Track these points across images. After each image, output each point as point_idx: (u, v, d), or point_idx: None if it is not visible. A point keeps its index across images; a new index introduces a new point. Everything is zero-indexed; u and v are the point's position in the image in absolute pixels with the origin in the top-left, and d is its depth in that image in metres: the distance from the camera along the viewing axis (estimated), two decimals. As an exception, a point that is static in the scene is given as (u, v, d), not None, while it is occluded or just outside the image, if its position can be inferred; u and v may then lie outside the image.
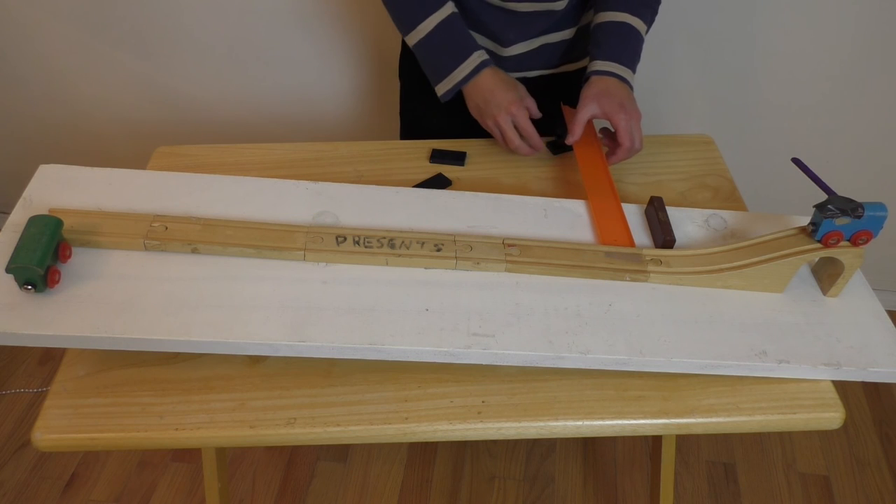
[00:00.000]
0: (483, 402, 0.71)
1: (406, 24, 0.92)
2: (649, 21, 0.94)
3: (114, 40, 1.44)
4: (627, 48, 0.91)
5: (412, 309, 0.71)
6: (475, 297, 0.73)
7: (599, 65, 0.90)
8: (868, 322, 0.75)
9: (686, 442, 1.48)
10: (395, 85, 1.44)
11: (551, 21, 0.96)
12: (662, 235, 0.80)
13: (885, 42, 1.25)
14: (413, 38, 0.92)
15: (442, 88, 0.93)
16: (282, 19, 1.37)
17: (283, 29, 1.39)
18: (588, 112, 0.88)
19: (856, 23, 1.23)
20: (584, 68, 1.07)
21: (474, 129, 1.06)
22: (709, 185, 0.97)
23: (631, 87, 0.90)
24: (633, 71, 0.91)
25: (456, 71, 0.91)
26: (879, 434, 1.51)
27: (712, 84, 1.34)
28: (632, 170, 0.99)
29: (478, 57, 0.92)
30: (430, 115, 1.12)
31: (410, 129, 1.18)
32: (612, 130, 0.91)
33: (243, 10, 1.36)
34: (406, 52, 1.11)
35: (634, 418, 0.70)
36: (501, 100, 0.90)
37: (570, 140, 0.90)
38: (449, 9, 0.91)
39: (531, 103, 0.92)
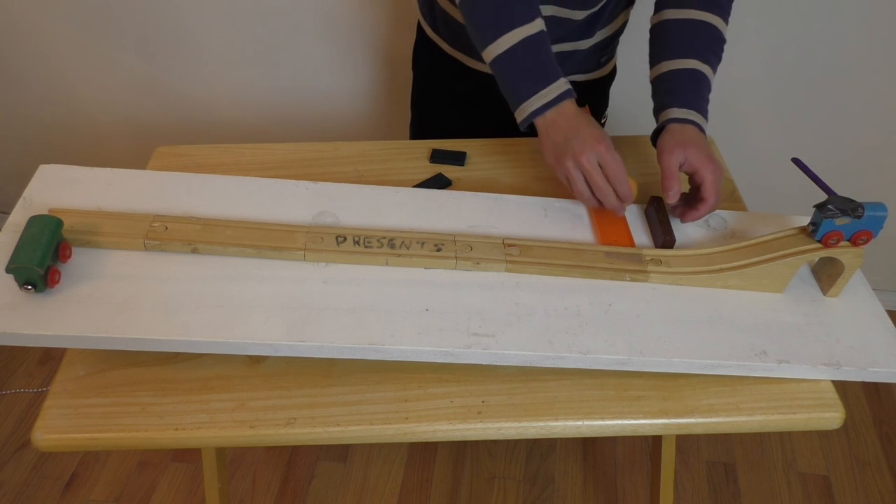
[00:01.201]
0: (483, 402, 0.71)
1: (488, 34, 0.80)
2: (716, 69, 0.87)
3: (114, 40, 1.44)
4: (702, 96, 0.84)
5: (412, 309, 0.71)
6: (475, 297, 0.73)
7: (677, 112, 0.82)
8: (868, 322, 0.75)
9: (686, 442, 1.48)
10: (397, 86, 1.45)
11: (566, 31, 0.94)
12: (662, 235, 0.79)
13: (886, 42, 1.25)
14: (492, 52, 0.80)
15: (519, 116, 0.81)
16: (282, 19, 1.37)
17: (283, 29, 1.39)
18: (676, 160, 0.78)
19: (856, 23, 1.23)
20: (595, 80, 1.07)
21: (488, 123, 1.06)
22: (709, 185, 0.97)
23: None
24: (707, 120, 0.84)
25: (534, 97, 0.79)
26: (879, 434, 1.51)
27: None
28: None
29: (562, 84, 0.79)
30: (443, 107, 1.12)
31: (422, 121, 1.17)
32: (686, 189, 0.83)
33: (244, 11, 1.36)
34: (421, 43, 1.10)
35: (634, 418, 0.70)
36: (587, 136, 0.76)
37: (672, 199, 0.79)
38: (538, 25, 0.80)
39: (618, 155, 0.78)
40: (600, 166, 0.77)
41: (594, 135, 0.77)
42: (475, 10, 0.81)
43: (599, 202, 0.80)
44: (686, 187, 0.83)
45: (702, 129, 0.82)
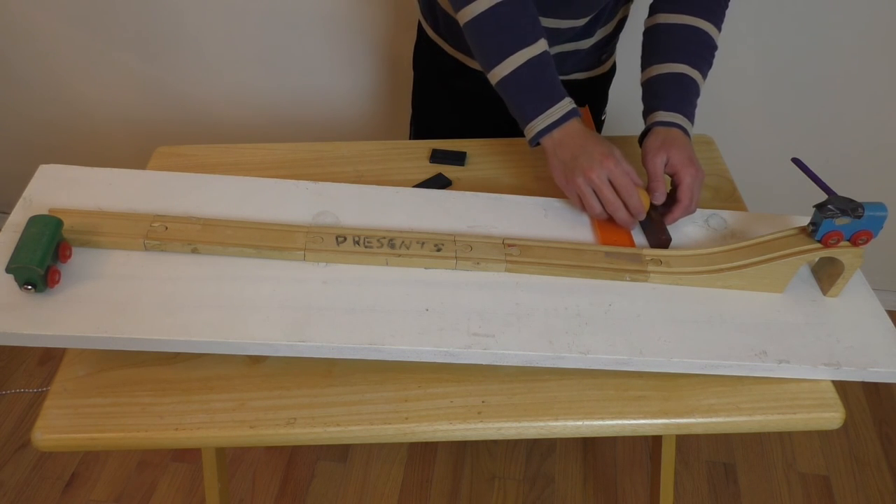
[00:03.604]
0: (483, 402, 0.71)
1: (493, 56, 0.81)
2: (706, 75, 0.87)
3: (114, 40, 1.44)
4: (689, 101, 0.85)
5: (412, 309, 0.71)
6: (475, 297, 0.73)
7: (663, 115, 0.83)
8: (868, 322, 0.75)
9: (686, 442, 1.48)
10: (397, 86, 1.45)
11: (570, 35, 0.95)
12: (658, 235, 0.79)
13: (886, 42, 1.25)
14: (498, 74, 0.81)
15: (527, 135, 0.82)
16: (282, 19, 1.37)
17: (283, 29, 1.39)
18: (661, 162, 0.80)
19: (856, 23, 1.23)
20: (595, 77, 1.07)
21: (488, 123, 1.06)
22: (709, 185, 0.97)
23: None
24: (693, 124, 0.85)
25: (541, 117, 0.80)
26: (879, 434, 1.51)
27: (712, 84, 1.34)
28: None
29: (567, 104, 0.80)
30: (443, 107, 1.12)
31: (423, 121, 1.17)
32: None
33: (244, 11, 1.36)
34: (422, 43, 1.10)
35: (634, 418, 0.70)
36: (594, 152, 0.77)
37: (657, 201, 0.80)
38: (542, 46, 0.80)
39: (630, 168, 0.79)
40: (610, 182, 0.78)
41: (602, 150, 0.78)
42: (480, 33, 0.82)
43: (611, 217, 0.80)
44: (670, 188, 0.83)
45: (687, 133, 0.83)
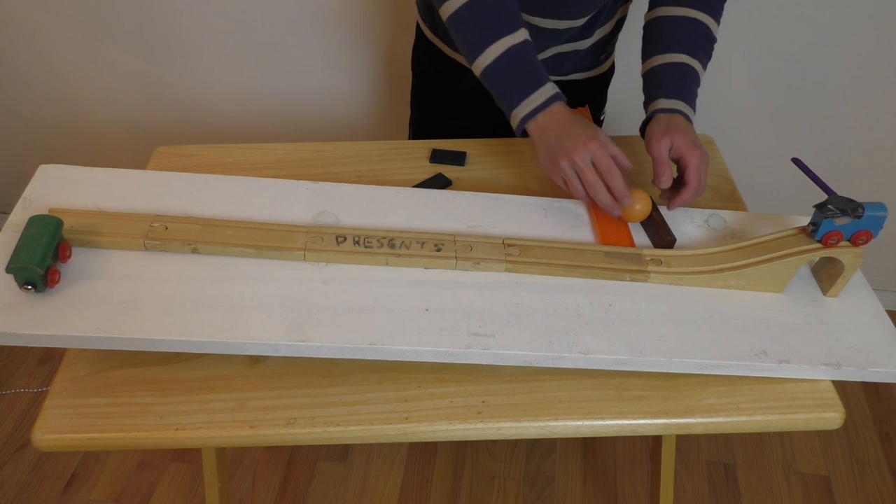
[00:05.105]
0: (483, 402, 0.71)
1: (475, 48, 0.82)
2: (705, 65, 0.88)
3: (114, 40, 1.44)
4: (690, 88, 0.85)
5: (412, 309, 0.71)
6: (475, 297, 0.73)
7: (664, 103, 0.83)
8: (868, 322, 0.75)
9: (686, 442, 1.48)
10: (397, 86, 1.45)
11: (568, 35, 0.95)
12: (662, 235, 0.79)
13: (886, 42, 1.25)
14: (480, 65, 0.82)
15: (513, 123, 0.83)
16: (282, 19, 1.37)
17: (283, 29, 1.39)
18: (665, 147, 0.79)
19: (856, 23, 1.23)
20: (594, 77, 1.07)
21: (488, 123, 1.06)
22: (709, 185, 0.97)
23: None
24: (694, 112, 0.85)
25: (524, 102, 0.80)
26: (879, 434, 1.51)
27: (713, 84, 1.34)
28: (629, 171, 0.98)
29: (550, 88, 0.81)
30: (443, 107, 1.12)
31: (422, 121, 1.17)
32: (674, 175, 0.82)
33: (244, 11, 1.36)
34: (420, 44, 1.10)
35: (634, 418, 0.70)
36: (578, 134, 0.77)
37: (664, 185, 0.80)
38: (522, 35, 0.81)
39: (616, 150, 0.78)
40: (594, 165, 0.78)
41: (586, 133, 0.78)
42: (461, 26, 0.82)
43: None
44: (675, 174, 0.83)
45: (689, 119, 0.84)
